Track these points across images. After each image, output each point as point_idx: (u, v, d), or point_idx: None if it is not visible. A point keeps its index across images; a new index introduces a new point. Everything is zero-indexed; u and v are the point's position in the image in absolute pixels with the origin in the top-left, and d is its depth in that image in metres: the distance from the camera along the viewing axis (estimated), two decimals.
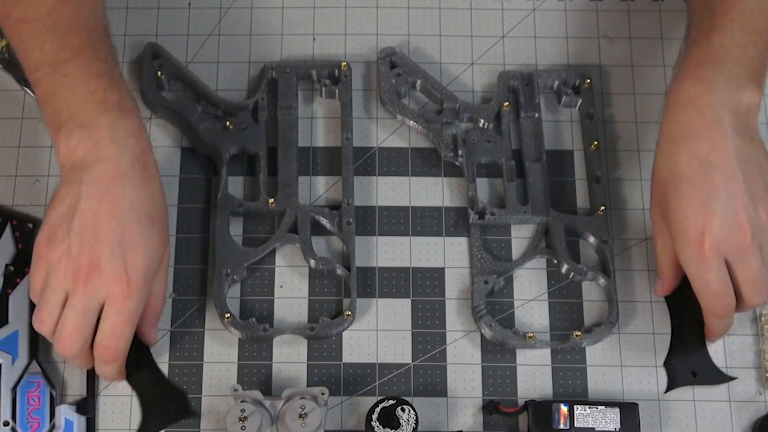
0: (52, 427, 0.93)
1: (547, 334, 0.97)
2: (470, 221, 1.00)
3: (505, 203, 1.01)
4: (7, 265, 0.97)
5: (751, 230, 0.87)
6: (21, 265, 0.97)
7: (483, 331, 0.96)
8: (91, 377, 0.95)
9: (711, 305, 0.90)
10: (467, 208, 1.01)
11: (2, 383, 0.93)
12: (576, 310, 0.98)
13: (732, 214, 0.87)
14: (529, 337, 0.95)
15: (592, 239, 0.99)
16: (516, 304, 0.99)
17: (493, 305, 0.98)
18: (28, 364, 0.94)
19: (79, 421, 0.93)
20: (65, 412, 0.93)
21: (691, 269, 0.89)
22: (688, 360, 0.96)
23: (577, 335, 0.95)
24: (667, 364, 0.97)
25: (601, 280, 0.98)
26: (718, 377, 0.96)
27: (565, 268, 0.99)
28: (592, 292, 0.99)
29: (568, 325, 0.98)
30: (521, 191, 1.02)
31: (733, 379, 0.96)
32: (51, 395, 0.93)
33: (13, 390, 0.93)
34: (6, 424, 0.92)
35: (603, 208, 1.00)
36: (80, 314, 0.88)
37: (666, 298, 0.98)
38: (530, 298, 0.99)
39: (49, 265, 0.88)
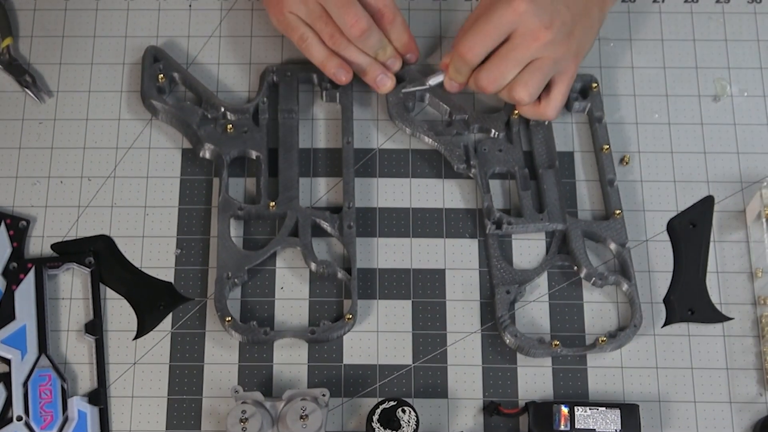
0: (66, 419, 0.93)
1: (549, 334, 0.97)
2: (487, 231, 1.00)
3: (520, 211, 1.00)
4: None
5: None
6: (22, 262, 0.97)
7: (508, 340, 0.96)
8: (101, 368, 0.95)
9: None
10: (469, 209, 1.01)
11: (13, 378, 0.94)
12: (577, 309, 0.98)
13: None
14: (555, 345, 0.95)
15: (612, 244, 0.99)
16: (518, 304, 0.99)
17: (494, 305, 0.98)
18: (38, 358, 0.95)
19: (92, 412, 0.94)
20: (78, 404, 0.94)
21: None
22: (687, 297, 0.98)
23: (602, 341, 0.95)
24: (666, 300, 0.98)
25: (624, 285, 0.98)
26: (715, 316, 0.98)
27: (585, 273, 0.98)
28: (593, 290, 0.99)
29: (570, 324, 0.98)
30: (535, 198, 1.01)
31: (729, 319, 0.97)
32: (62, 388, 0.94)
33: (25, 385, 0.94)
34: (19, 418, 0.93)
35: (619, 211, 1.00)
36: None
37: (670, 236, 1.00)
38: (533, 298, 0.99)
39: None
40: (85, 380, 0.96)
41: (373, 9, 1.00)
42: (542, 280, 0.99)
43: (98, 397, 0.94)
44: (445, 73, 1.00)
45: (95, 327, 0.96)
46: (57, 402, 0.93)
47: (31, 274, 0.97)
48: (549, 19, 0.94)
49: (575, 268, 0.99)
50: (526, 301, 0.99)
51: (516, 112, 1.03)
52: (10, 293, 0.96)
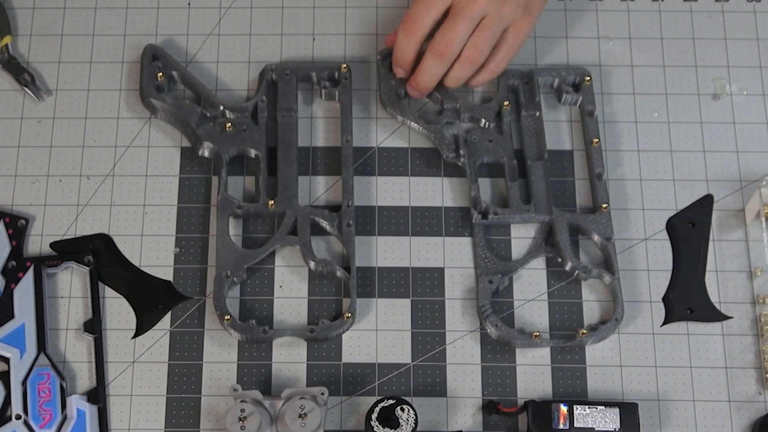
0: (65, 417, 0.93)
1: (548, 332, 0.97)
2: (473, 221, 1.00)
3: (507, 202, 1.01)
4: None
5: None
6: (21, 260, 0.97)
7: (489, 330, 0.96)
8: (100, 367, 0.95)
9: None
10: (469, 207, 1.01)
11: (12, 377, 0.94)
12: (576, 308, 0.98)
13: None
14: (535, 336, 0.95)
15: (596, 237, 0.99)
16: (517, 303, 0.99)
17: (494, 304, 0.98)
18: (37, 356, 0.95)
19: (91, 411, 0.94)
20: (77, 402, 0.94)
21: None
22: (686, 296, 0.98)
23: (583, 333, 0.95)
24: (665, 299, 0.98)
25: (606, 278, 0.98)
26: (714, 315, 0.98)
27: (569, 266, 0.98)
28: (592, 290, 0.99)
29: (569, 324, 0.98)
30: (524, 190, 1.01)
31: (728, 318, 0.97)
32: (61, 386, 0.94)
33: (24, 383, 0.94)
34: (18, 417, 0.93)
35: (606, 205, 1.00)
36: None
37: (670, 235, 1.00)
38: (531, 297, 0.99)
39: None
40: (84, 379, 0.96)
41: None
42: (530, 270, 0.99)
43: (97, 395, 0.94)
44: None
45: (94, 326, 0.96)
46: (56, 400, 0.93)
47: (30, 273, 0.97)
48: None
49: (560, 260, 0.99)
50: (524, 300, 0.99)
51: (506, 103, 1.03)
52: (9, 292, 0.96)
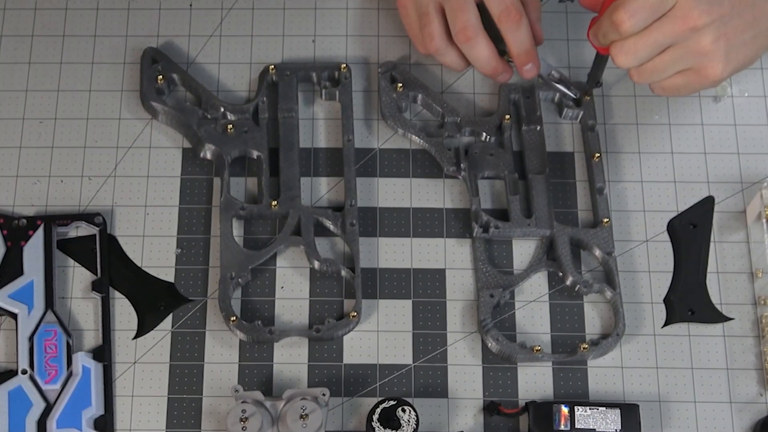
0: (70, 374, 0.94)
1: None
2: (474, 235, 1.00)
3: (508, 212, 1.00)
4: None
5: None
6: (31, 219, 0.98)
7: (489, 345, 0.96)
8: (106, 325, 0.96)
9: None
10: (469, 209, 1.01)
11: (19, 332, 0.95)
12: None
13: None
14: (537, 350, 0.95)
15: (597, 252, 0.99)
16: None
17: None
18: (44, 313, 0.95)
19: (96, 368, 0.95)
20: (82, 359, 0.94)
21: None
22: (687, 298, 0.98)
23: (584, 348, 0.95)
24: (666, 300, 0.98)
25: (608, 293, 0.98)
26: (715, 316, 0.98)
27: (570, 280, 0.98)
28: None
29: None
30: (524, 204, 1.01)
31: (729, 319, 0.97)
32: (68, 343, 0.95)
33: (30, 339, 0.94)
34: (24, 372, 0.93)
35: (607, 220, 1.00)
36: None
37: (671, 236, 1.00)
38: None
39: None
40: (90, 336, 0.97)
41: (500, 7, 0.95)
42: (531, 285, 0.99)
43: (102, 353, 0.95)
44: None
45: (102, 285, 0.97)
46: (62, 357, 0.94)
47: (40, 231, 0.98)
48: (708, 6, 0.87)
49: (561, 274, 0.99)
50: (525, 301, 0.99)
51: (507, 117, 1.03)
52: (18, 249, 0.97)
